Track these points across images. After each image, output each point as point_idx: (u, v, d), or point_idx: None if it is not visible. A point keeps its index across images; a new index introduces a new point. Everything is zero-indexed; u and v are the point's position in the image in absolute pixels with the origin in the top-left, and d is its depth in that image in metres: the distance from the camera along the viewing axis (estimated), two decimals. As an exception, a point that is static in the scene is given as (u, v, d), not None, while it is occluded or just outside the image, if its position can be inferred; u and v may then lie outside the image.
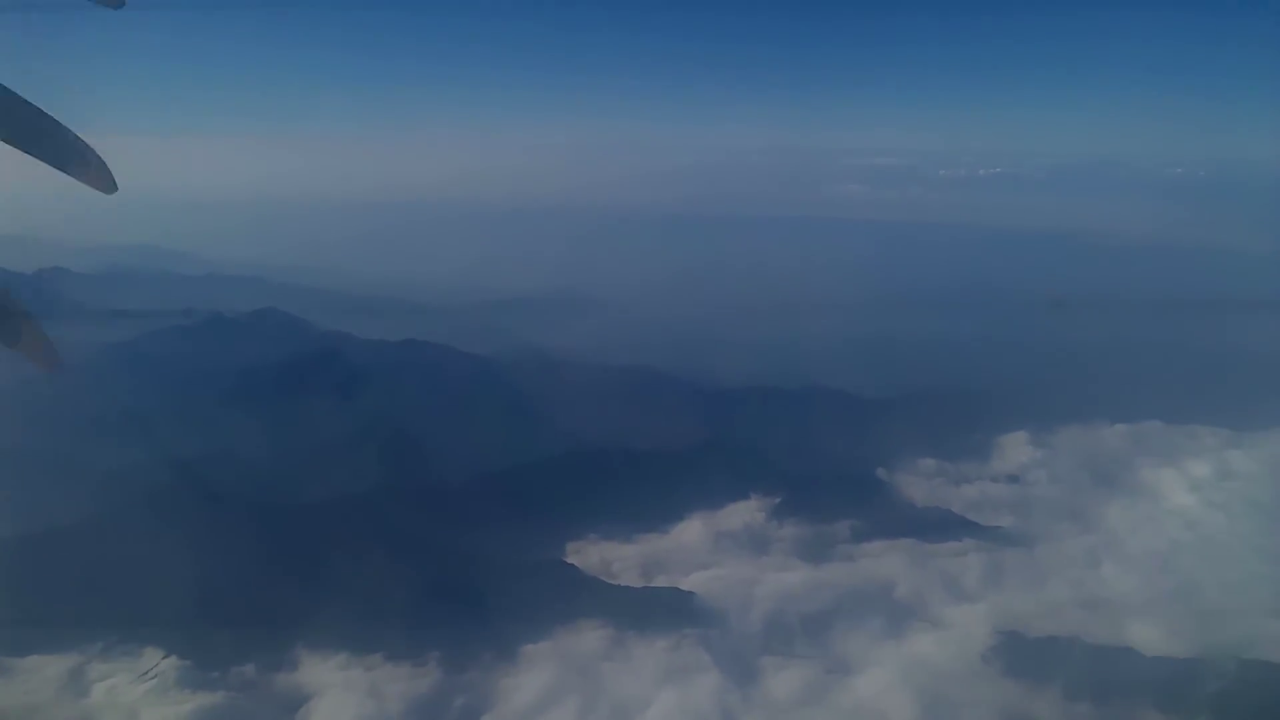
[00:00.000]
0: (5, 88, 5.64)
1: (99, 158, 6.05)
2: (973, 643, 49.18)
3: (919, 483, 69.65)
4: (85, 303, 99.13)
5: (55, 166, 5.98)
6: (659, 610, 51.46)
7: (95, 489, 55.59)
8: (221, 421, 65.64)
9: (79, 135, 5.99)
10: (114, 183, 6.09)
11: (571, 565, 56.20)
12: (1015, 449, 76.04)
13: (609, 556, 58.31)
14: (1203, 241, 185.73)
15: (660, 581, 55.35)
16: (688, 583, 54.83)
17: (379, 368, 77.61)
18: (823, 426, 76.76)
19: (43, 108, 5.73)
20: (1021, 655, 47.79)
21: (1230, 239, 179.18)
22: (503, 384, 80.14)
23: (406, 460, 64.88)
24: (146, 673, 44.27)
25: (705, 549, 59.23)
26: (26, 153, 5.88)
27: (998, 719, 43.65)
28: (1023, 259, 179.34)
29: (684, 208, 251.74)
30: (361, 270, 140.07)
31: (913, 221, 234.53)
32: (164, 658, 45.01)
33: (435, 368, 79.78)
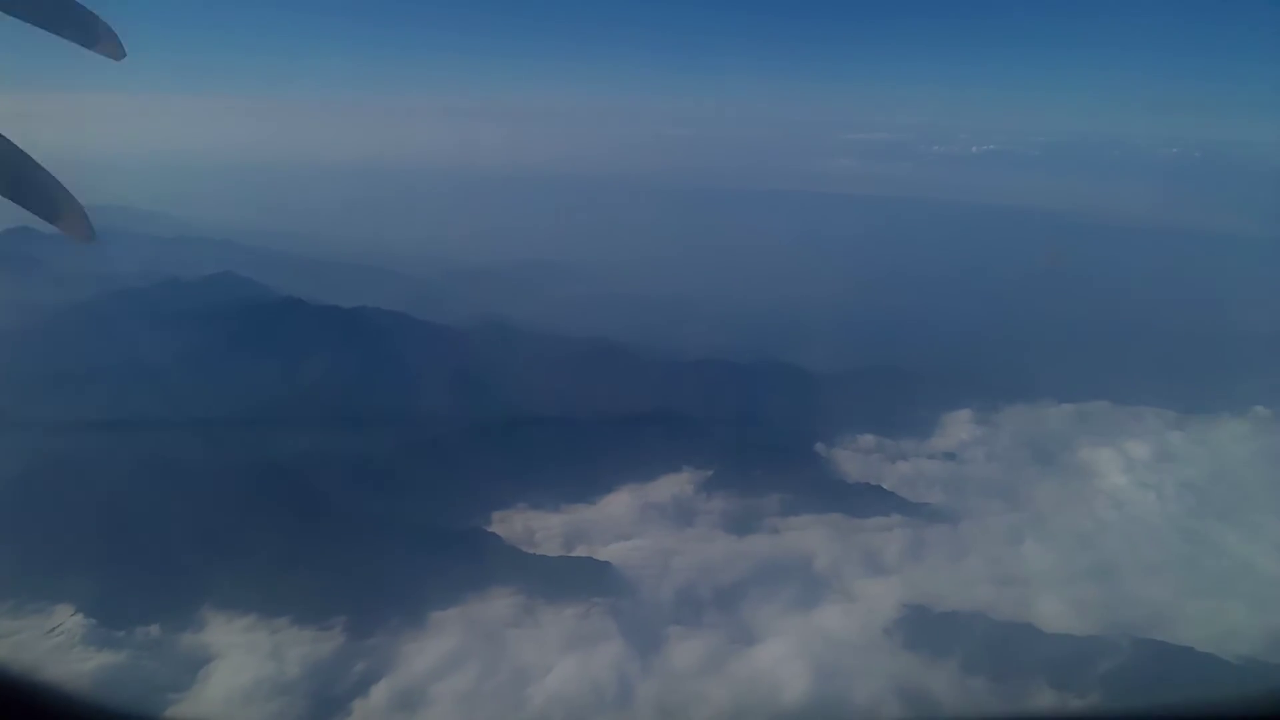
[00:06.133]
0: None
1: (80, 207, 6.35)
2: (877, 616, 49.75)
3: (855, 458, 69.89)
4: (49, 264, 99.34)
5: (37, 214, 6.26)
6: (573, 579, 51.98)
7: (20, 450, 55.98)
8: (157, 385, 65.91)
9: (60, 182, 6.27)
10: (93, 233, 6.40)
11: (493, 534, 56.59)
12: (957, 427, 76.26)
13: (533, 526, 58.75)
14: (1192, 223, 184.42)
15: (580, 551, 55.88)
16: (605, 553, 55.32)
17: (325, 334, 77.57)
18: (769, 401, 76.96)
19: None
20: (924, 629, 48.36)
21: (1221, 222, 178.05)
22: (452, 352, 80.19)
23: (337, 427, 65.16)
24: (52, 630, 44.93)
25: (630, 520, 59.60)
26: (10, 199, 6.15)
27: (890, 690, 44.18)
28: (1010, 237, 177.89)
29: (673, 179, 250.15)
30: (337, 235, 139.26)
31: (902, 197, 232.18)
32: (71, 615, 45.65)
33: (384, 335, 79.85)
